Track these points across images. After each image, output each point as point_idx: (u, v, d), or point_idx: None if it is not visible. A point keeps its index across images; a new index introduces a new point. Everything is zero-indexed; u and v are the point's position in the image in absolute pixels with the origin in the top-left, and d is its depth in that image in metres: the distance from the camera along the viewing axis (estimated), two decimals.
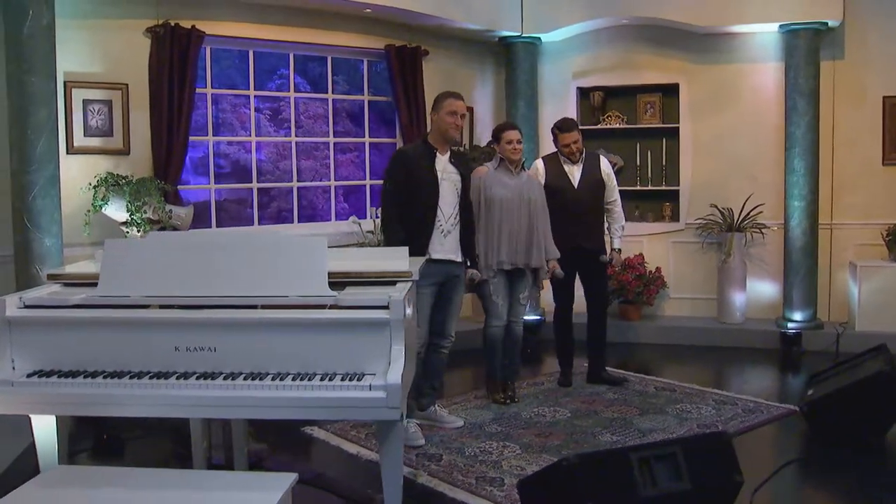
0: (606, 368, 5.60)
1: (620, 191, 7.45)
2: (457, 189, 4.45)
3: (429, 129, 4.57)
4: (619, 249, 5.54)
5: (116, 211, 5.09)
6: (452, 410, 4.96)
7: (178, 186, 5.78)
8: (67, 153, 5.19)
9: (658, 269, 7.15)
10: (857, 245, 6.83)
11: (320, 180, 7.30)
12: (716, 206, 6.98)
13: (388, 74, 6.79)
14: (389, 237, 4.27)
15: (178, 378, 2.82)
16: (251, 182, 6.53)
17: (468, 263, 4.62)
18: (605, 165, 5.44)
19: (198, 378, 2.83)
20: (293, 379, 2.81)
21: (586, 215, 5.30)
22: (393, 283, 3.10)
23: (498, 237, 4.85)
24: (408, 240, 4.25)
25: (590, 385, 5.47)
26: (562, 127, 5.38)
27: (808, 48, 6.60)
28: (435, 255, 4.38)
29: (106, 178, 5.10)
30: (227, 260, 3.03)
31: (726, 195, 7.04)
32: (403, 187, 4.34)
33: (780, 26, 6.67)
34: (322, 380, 2.80)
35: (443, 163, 4.43)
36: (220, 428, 3.84)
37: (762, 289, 7.09)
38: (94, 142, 5.35)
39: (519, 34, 7.15)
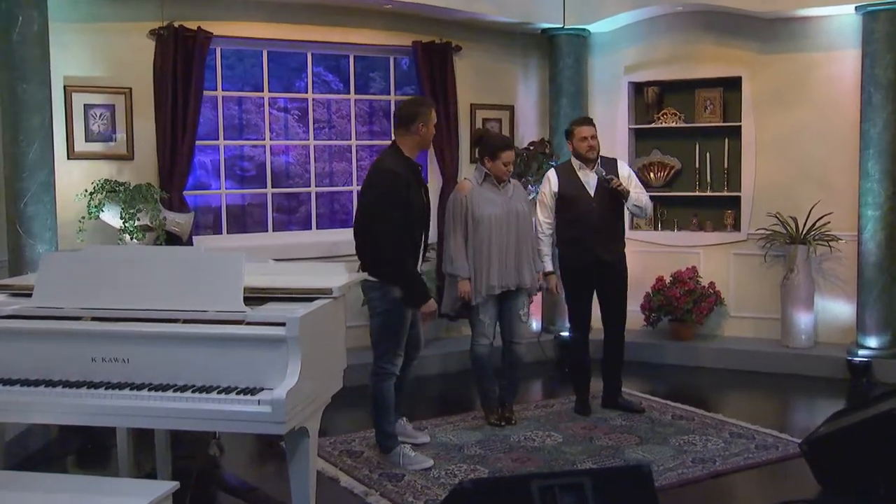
0: (623, 393, 5.73)
1: (676, 197, 7.60)
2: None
3: (402, 142, 4.67)
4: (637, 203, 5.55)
5: (113, 217, 5.64)
6: (445, 430, 5.26)
7: (194, 192, 6.33)
8: (68, 158, 5.79)
9: (712, 283, 7.17)
10: None
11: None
12: (776, 216, 6.93)
13: (416, 72, 7.12)
14: (411, 280, 4.49)
15: (88, 388, 3.25)
16: (270, 187, 7.01)
17: None
18: (622, 168, 5.57)
19: (106, 388, 3.24)
20: (193, 391, 3.18)
21: (604, 225, 5.43)
22: (311, 300, 3.45)
23: (488, 259, 5.07)
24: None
25: (602, 410, 5.62)
26: (577, 120, 5.60)
27: (888, 32, 6.40)
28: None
29: (103, 184, 5.66)
30: (152, 274, 3.45)
31: (794, 202, 6.96)
32: (405, 216, 4.47)
33: (857, 7, 6.53)
34: (220, 393, 3.16)
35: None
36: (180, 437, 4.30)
37: (835, 309, 6.97)
38: (96, 147, 5.93)
39: (561, 26, 7.33)
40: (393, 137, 4.79)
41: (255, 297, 3.47)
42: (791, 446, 4.88)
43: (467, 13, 6.88)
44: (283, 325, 3.17)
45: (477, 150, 5.32)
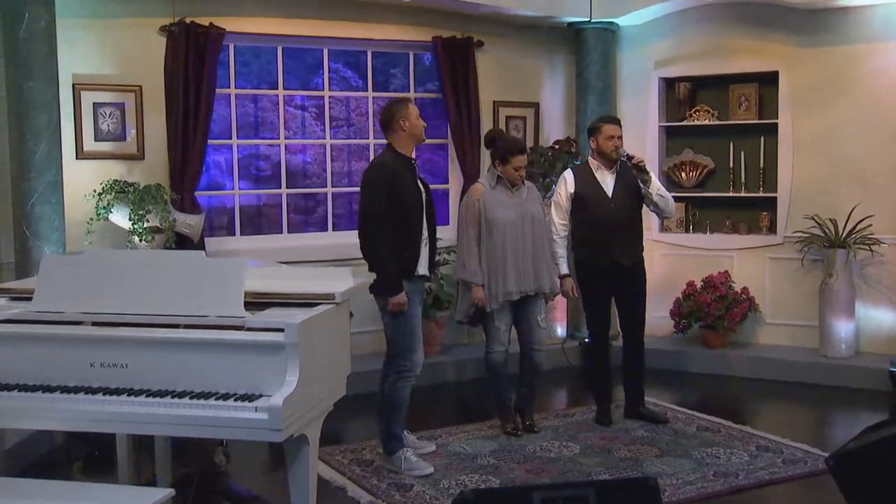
0: (647, 402, 5.76)
1: (709, 198, 7.60)
2: (425, 200, 4.86)
3: (393, 141, 4.83)
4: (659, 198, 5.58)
5: (122, 219, 5.77)
6: (459, 438, 5.34)
7: (207, 192, 6.46)
8: (77, 158, 5.95)
9: (745, 289, 7.16)
10: None
11: None
12: (815, 218, 6.90)
13: (436, 69, 7.20)
14: (384, 269, 4.59)
15: (85, 393, 3.36)
16: (285, 187, 7.13)
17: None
18: None
19: (104, 394, 3.35)
20: (191, 398, 3.28)
21: (623, 227, 5.48)
22: (314, 305, 3.54)
23: (503, 264, 5.13)
24: (399, 266, 4.69)
25: (624, 421, 5.65)
26: (605, 118, 5.66)
27: None
28: (421, 271, 4.83)
29: (112, 184, 5.80)
30: (153, 279, 3.55)
31: (833, 203, 6.92)
32: (394, 207, 4.67)
33: None
34: (217, 399, 3.25)
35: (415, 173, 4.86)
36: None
37: (878, 317, 6.92)
38: (106, 146, 6.08)
39: (588, 19, 7.36)
40: None
41: (258, 301, 3.56)
42: (821, 461, 4.87)
43: (490, 7, 6.95)
44: (281, 330, 3.27)
45: (490, 153, 5.39)
